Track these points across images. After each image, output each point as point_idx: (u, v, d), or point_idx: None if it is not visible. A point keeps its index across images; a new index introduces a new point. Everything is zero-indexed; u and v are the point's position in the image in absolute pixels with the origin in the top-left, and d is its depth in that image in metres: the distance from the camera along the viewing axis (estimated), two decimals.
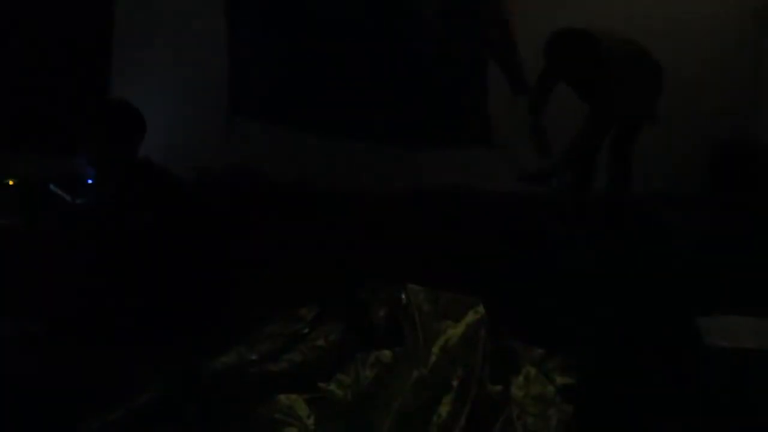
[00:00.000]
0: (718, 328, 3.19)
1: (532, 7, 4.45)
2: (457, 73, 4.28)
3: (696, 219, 4.52)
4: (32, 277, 3.48)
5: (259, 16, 5.33)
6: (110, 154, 3.31)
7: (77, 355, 2.65)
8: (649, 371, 2.79)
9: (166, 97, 6.33)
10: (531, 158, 4.30)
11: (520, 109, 4.23)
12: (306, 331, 2.23)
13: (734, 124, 5.24)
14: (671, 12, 5.27)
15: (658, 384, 2.69)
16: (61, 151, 4.40)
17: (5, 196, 4.63)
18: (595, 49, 3.93)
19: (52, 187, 4.73)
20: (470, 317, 2.38)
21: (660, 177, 4.94)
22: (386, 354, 2.03)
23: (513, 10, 3.88)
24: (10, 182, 4.76)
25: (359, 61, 4.78)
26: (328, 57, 4.92)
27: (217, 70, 5.62)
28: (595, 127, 4.11)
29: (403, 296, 2.26)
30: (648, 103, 4.32)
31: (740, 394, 2.65)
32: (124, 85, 5.17)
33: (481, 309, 2.42)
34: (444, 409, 2.14)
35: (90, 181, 4.53)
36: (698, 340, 3.09)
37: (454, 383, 2.22)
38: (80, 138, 3.49)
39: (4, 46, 4.17)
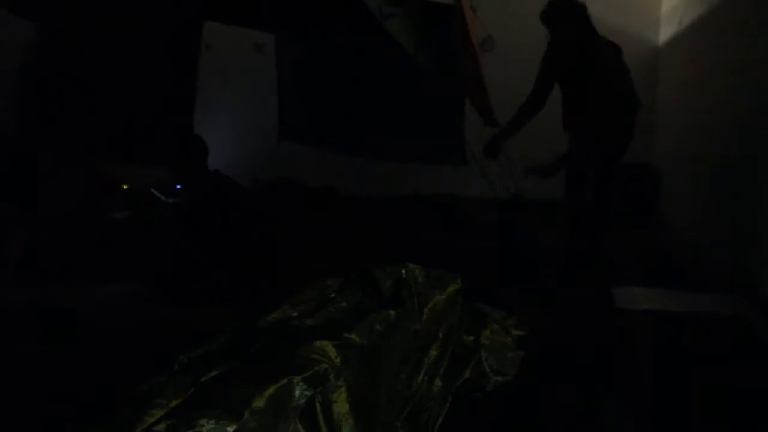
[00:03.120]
0: (625, 296, 3.21)
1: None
2: (443, 112, 4.27)
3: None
4: (138, 254, 3.49)
5: (298, 72, 5.39)
6: (186, 168, 3.34)
7: (172, 309, 2.66)
8: (578, 327, 2.79)
9: (233, 126, 6.37)
10: (498, 174, 4.26)
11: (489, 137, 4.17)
12: (333, 296, 2.20)
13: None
14: None
15: (585, 335, 2.70)
16: (159, 166, 4.44)
17: (121, 197, 4.67)
18: (586, 21, 3.39)
19: (152, 190, 4.75)
20: (452, 288, 2.37)
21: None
22: (391, 313, 2.01)
23: (484, 68, 3.84)
24: (124, 187, 4.79)
25: (372, 102, 4.79)
26: (351, 99, 4.94)
27: (269, 108, 5.65)
28: (591, 121, 3.43)
29: (403, 271, 2.24)
30: (626, 126, 3.59)
31: (642, 341, 2.73)
32: (205, 120, 5.19)
33: (459, 282, 2.42)
34: (433, 354, 2.16)
35: (178, 187, 4.54)
36: (613, 305, 3.10)
37: (440, 335, 2.23)
38: (170, 158, 3.51)
39: (129, 101, 4.32)
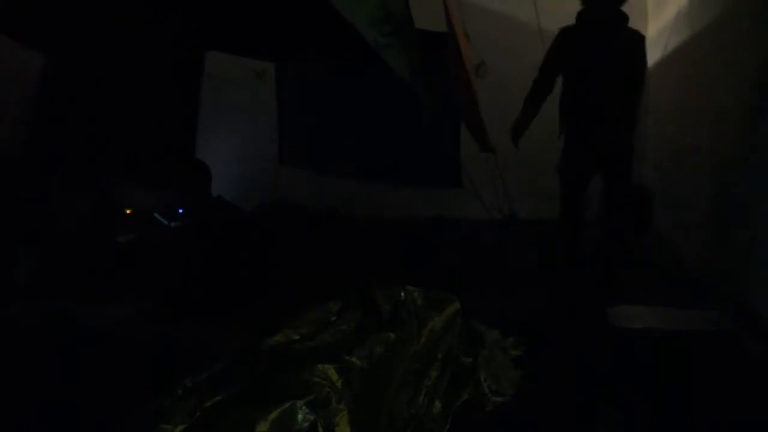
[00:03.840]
0: (620, 314, 3.20)
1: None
2: (439, 138, 4.29)
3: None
4: (144, 275, 3.49)
5: (297, 98, 5.43)
6: (189, 193, 3.35)
7: (174, 330, 2.64)
8: (574, 345, 2.78)
9: (235, 153, 6.40)
10: (492, 197, 4.27)
11: (484, 162, 4.19)
12: (334, 318, 2.18)
13: None
14: None
15: (581, 353, 2.69)
16: (162, 190, 4.47)
17: (125, 221, 4.67)
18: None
19: (155, 215, 4.75)
20: (450, 309, 2.36)
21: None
22: (391, 335, 2.00)
23: (478, 93, 3.87)
24: (128, 211, 4.79)
25: (370, 127, 4.82)
26: (349, 124, 4.98)
27: (270, 136, 5.69)
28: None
29: (402, 294, 2.23)
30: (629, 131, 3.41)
31: (634, 355, 2.72)
32: (209, 148, 5.22)
33: (457, 303, 2.41)
34: (433, 375, 2.15)
35: (181, 211, 4.54)
36: (607, 322, 3.10)
37: (439, 356, 2.22)
38: (173, 183, 3.53)
39: (133, 128, 4.39)
